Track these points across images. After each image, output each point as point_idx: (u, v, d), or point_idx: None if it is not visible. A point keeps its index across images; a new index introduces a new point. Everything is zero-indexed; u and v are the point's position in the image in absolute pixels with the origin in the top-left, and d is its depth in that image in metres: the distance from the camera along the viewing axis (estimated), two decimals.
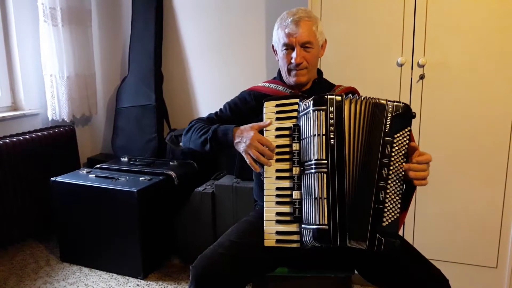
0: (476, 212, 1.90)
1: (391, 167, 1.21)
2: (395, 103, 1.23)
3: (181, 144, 2.70)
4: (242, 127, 1.38)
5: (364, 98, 1.26)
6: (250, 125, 1.37)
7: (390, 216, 1.20)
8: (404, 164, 1.22)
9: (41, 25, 2.65)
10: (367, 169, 1.23)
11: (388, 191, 1.21)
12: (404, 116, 1.23)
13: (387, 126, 1.22)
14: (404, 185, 1.24)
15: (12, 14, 2.63)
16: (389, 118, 1.22)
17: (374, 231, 1.20)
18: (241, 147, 1.35)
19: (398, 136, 1.22)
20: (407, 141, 1.23)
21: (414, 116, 1.24)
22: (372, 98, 1.26)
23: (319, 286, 1.50)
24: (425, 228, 1.97)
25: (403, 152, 1.22)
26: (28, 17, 2.71)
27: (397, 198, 1.21)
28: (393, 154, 1.21)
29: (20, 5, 2.66)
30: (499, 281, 1.91)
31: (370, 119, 1.24)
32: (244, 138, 1.34)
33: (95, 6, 3.05)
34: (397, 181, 1.21)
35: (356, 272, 1.43)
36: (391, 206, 1.21)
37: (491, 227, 1.89)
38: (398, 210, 1.21)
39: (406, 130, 1.23)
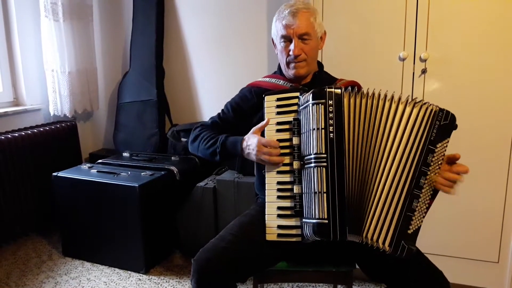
0: (478, 207, 1.89)
1: (427, 177, 1.20)
2: (445, 111, 1.20)
3: (182, 139, 2.71)
4: (246, 137, 1.38)
5: (373, 94, 1.24)
6: (252, 130, 1.37)
7: (416, 224, 1.20)
8: (443, 172, 1.21)
9: (42, 20, 2.64)
10: (378, 165, 1.22)
11: (420, 199, 1.20)
12: (449, 127, 1.21)
13: (433, 134, 1.19)
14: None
15: (14, 9, 2.62)
16: (436, 126, 1.19)
17: (400, 238, 1.19)
18: (252, 157, 1.35)
19: (439, 146, 1.20)
20: (445, 153, 1.21)
21: (455, 128, 1.22)
22: (403, 97, 1.24)
23: (321, 280, 1.50)
24: (427, 223, 1.95)
25: (439, 163, 1.20)
26: (29, 12, 2.71)
27: (425, 207, 1.21)
28: (432, 163, 1.20)
29: (21, 0, 2.65)
30: (500, 276, 1.91)
31: (400, 118, 1.22)
32: (250, 147, 1.35)
33: (96, 1, 3.04)
34: (429, 191, 1.21)
35: (357, 266, 1.43)
36: (418, 214, 1.20)
37: (493, 222, 1.88)
38: (423, 219, 1.21)
39: (446, 141, 1.21)
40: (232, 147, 1.40)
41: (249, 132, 1.38)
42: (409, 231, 1.19)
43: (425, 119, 1.20)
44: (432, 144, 1.19)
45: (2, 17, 2.63)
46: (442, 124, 1.20)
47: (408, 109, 1.22)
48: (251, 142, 1.35)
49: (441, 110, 1.21)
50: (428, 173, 1.20)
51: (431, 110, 1.21)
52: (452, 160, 1.23)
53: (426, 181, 1.20)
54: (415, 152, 1.20)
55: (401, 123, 1.22)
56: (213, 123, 1.58)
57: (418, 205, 1.20)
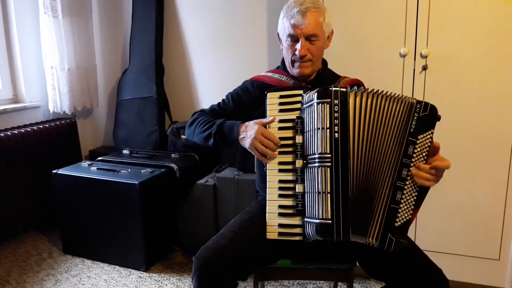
0: (478, 204, 1.89)
1: (411, 168, 1.20)
2: (423, 103, 1.20)
3: (182, 136, 2.71)
4: (247, 123, 1.37)
5: (376, 92, 1.23)
6: (255, 121, 1.36)
7: (403, 216, 1.20)
8: (414, 168, 1.20)
9: (41, 16, 2.63)
10: (379, 165, 1.22)
11: (404, 191, 1.20)
12: (430, 118, 1.20)
13: (413, 126, 1.20)
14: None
15: (12, 6, 2.61)
16: (415, 118, 1.20)
17: (386, 230, 1.19)
18: (246, 142, 1.34)
19: (421, 138, 1.20)
20: (429, 144, 1.21)
21: (439, 119, 1.21)
22: (395, 94, 1.23)
23: (321, 277, 1.50)
24: (428, 220, 1.97)
25: (424, 154, 1.20)
26: (28, 9, 2.69)
27: (412, 199, 1.20)
28: (414, 155, 1.20)
29: None
30: (501, 273, 1.91)
31: (391, 115, 1.22)
32: (248, 133, 1.33)
33: None
34: (414, 183, 1.20)
35: (358, 264, 1.43)
36: (405, 207, 1.20)
37: (493, 219, 1.88)
38: (411, 212, 1.20)
39: (430, 132, 1.20)
40: (229, 130, 1.39)
41: (251, 121, 1.36)
42: (397, 224, 1.19)
43: (406, 112, 1.21)
44: (412, 136, 1.20)
45: (1, 13, 2.61)
46: (422, 115, 1.20)
47: (397, 106, 1.22)
48: (251, 128, 1.33)
49: (419, 102, 1.21)
50: (411, 164, 1.20)
51: (408, 102, 1.22)
52: (433, 151, 1.22)
53: (409, 173, 1.20)
54: (398, 145, 1.21)
55: (392, 119, 1.23)
56: (212, 110, 1.57)
57: (404, 197, 1.20)
